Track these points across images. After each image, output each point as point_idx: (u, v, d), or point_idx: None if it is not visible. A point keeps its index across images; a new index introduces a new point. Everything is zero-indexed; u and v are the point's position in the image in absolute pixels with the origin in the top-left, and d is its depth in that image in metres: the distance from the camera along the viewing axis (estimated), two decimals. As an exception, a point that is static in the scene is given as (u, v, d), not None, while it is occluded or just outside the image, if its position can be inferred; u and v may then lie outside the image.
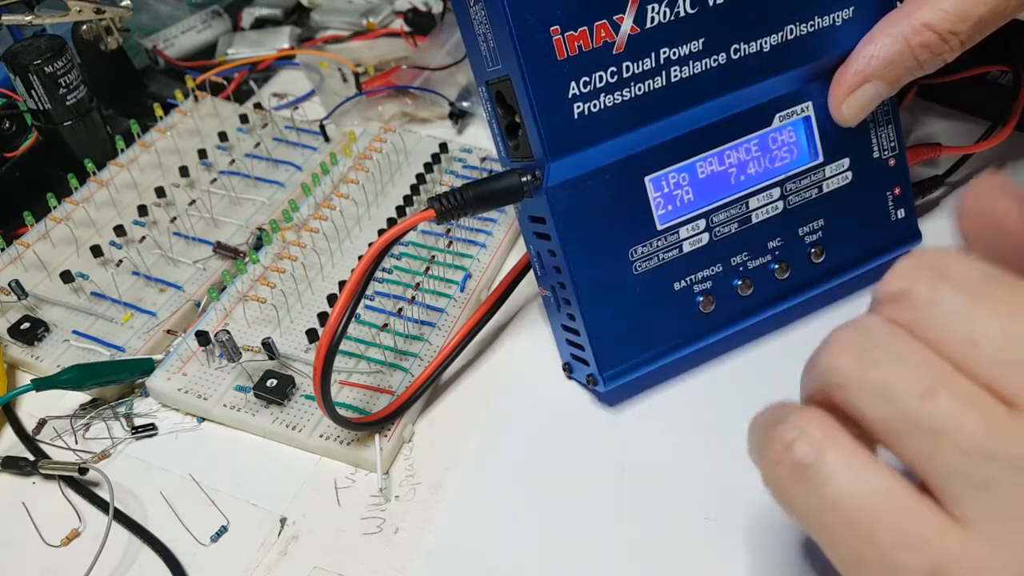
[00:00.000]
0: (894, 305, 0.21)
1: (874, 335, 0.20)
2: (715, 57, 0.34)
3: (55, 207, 0.47)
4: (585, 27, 0.32)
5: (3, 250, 0.45)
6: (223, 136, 0.52)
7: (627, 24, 0.33)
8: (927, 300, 0.20)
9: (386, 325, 0.41)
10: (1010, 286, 0.19)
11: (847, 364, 0.20)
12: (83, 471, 0.36)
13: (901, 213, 0.40)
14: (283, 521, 0.35)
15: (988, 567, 0.18)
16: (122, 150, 0.51)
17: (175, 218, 0.47)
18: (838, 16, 0.36)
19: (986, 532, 0.18)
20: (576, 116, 0.33)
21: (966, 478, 0.18)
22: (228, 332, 0.38)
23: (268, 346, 0.39)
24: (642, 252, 0.35)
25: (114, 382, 0.39)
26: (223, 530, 0.35)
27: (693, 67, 0.34)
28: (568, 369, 0.39)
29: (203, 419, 0.39)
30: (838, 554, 0.20)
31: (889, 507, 0.19)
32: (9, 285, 0.42)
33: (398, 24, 0.64)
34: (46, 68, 0.47)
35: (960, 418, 0.18)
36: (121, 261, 0.45)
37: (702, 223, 0.36)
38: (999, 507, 0.18)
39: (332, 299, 0.42)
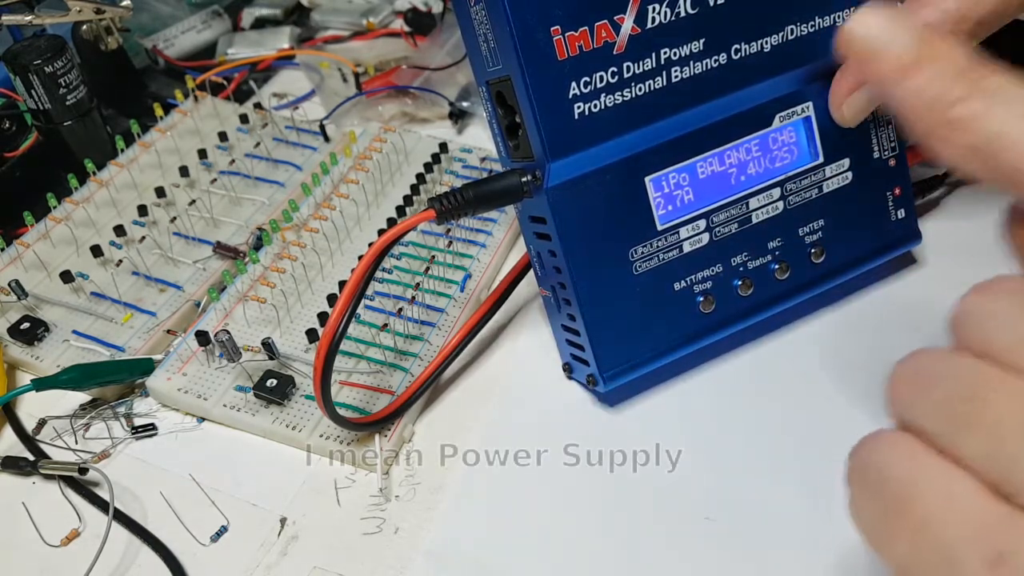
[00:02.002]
0: (953, 331, 0.21)
1: (922, 361, 0.21)
2: (716, 57, 0.34)
3: (55, 207, 0.47)
4: (586, 27, 0.32)
5: (3, 250, 0.45)
6: (223, 136, 0.52)
7: (628, 24, 0.33)
8: (977, 315, 0.20)
9: (386, 325, 0.41)
10: None
11: (903, 393, 0.21)
12: (83, 471, 0.36)
13: (901, 213, 0.40)
14: (283, 521, 0.35)
15: None
16: (122, 150, 0.51)
17: (175, 218, 0.47)
18: (839, 16, 0.36)
19: None
20: (576, 116, 0.33)
21: None
22: (228, 332, 0.38)
23: (268, 346, 0.39)
24: (642, 252, 0.35)
25: (114, 382, 0.39)
26: (223, 530, 0.35)
27: (694, 67, 0.34)
28: (568, 369, 0.39)
29: (203, 419, 0.39)
30: (894, 551, 0.20)
31: (946, 496, 0.19)
32: (9, 285, 0.42)
33: (398, 24, 0.64)
34: (46, 68, 0.47)
35: (1013, 410, 0.18)
36: (121, 261, 0.45)
37: (702, 223, 0.36)
38: None
39: (332, 299, 0.42)
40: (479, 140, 0.54)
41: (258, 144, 0.52)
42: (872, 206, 0.39)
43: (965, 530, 0.18)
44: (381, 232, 0.46)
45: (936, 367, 0.21)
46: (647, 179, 0.35)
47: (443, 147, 0.51)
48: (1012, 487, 0.18)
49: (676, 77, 0.34)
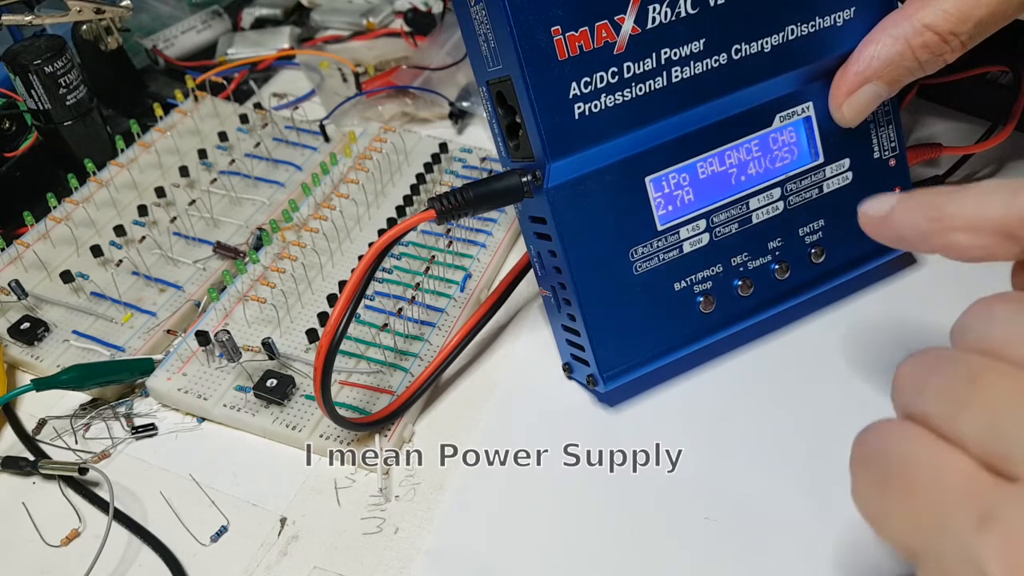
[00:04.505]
0: (955, 338, 0.23)
1: (927, 355, 0.23)
2: (716, 57, 0.34)
3: (55, 207, 0.47)
4: (586, 27, 0.32)
5: (3, 250, 0.45)
6: (223, 136, 0.52)
7: (628, 24, 0.33)
8: (977, 318, 0.22)
9: (386, 325, 0.41)
10: None
11: (907, 383, 0.23)
12: (83, 471, 0.36)
13: (901, 213, 0.40)
14: (283, 521, 0.35)
15: None
16: (122, 150, 0.51)
17: (175, 218, 0.47)
18: (839, 16, 0.36)
19: None
20: (577, 116, 0.33)
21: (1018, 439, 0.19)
22: (228, 332, 0.38)
23: (268, 346, 0.39)
24: (643, 252, 0.35)
25: (114, 382, 0.39)
26: (223, 530, 0.35)
27: (694, 67, 0.34)
28: (568, 369, 0.39)
29: (203, 419, 0.39)
30: (890, 522, 0.22)
31: (938, 466, 0.20)
32: (9, 285, 0.42)
33: (398, 24, 0.64)
34: (46, 68, 0.47)
35: (1008, 392, 0.20)
36: (121, 261, 0.45)
37: (702, 223, 0.36)
38: None
39: (332, 299, 0.42)
40: (479, 140, 0.54)
41: (258, 144, 0.52)
42: (872, 206, 0.39)
43: (955, 494, 0.19)
44: (381, 232, 0.46)
45: (940, 358, 0.22)
46: (647, 179, 0.35)
47: (443, 147, 0.51)
48: (1005, 462, 0.19)
49: (676, 77, 0.34)
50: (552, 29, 0.32)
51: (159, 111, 0.53)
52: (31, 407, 0.40)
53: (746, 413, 0.38)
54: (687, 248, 0.36)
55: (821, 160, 0.38)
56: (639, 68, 0.33)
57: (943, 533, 0.20)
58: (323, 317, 0.41)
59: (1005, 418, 0.20)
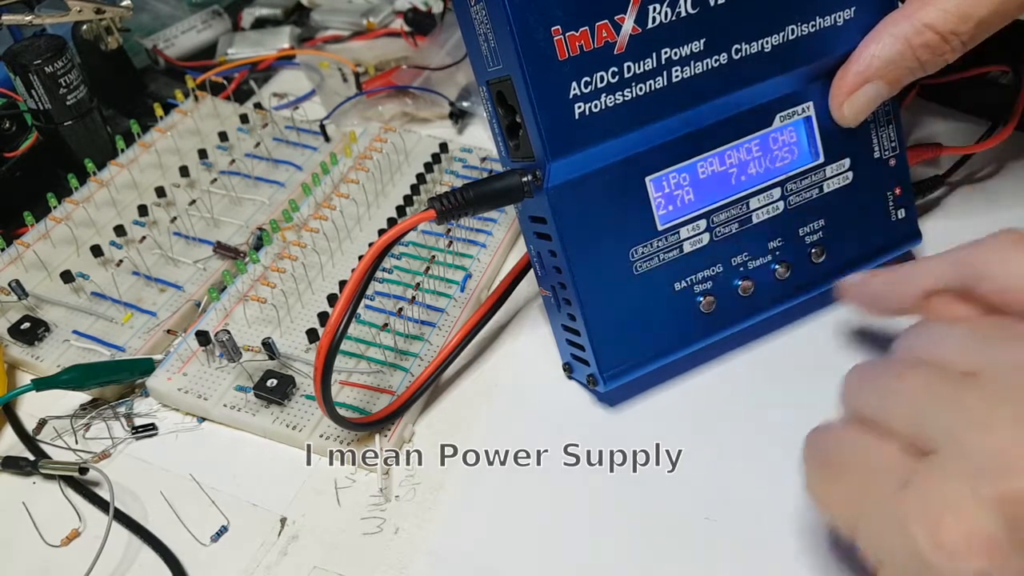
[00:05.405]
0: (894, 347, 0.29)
1: (866, 364, 0.28)
2: (716, 57, 0.34)
3: (55, 207, 0.47)
4: (586, 27, 0.32)
5: (3, 250, 0.45)
6: (223, 136, 0.52)
7: (628, 24, 0.33)
8: (908, 334, 0.28)
9: (386, 325, 0.41)
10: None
11: (849, 386, 0.28)
12: (83, 471, 0.36)
13: (902, 213, 0.40)
14: (283, 521, 0.35)
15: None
16: (122, 150, 0.51)
17: (175, 218, 0.47)
18: (839, 16, 0.36)
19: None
20: (577, 116, 0.33)
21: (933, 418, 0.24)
22: (228, 332, 0.38)
23: (268, 346, 0.39)
24: (643, 252, 0.35)
25: (114, 382, 0.39)
26: (223, 530, 0.35)
27: (694, 67, 0.34)
28: (568, 369, 0.39)
29: (203, 419, 0.39)
30: (831, 498, 0.26)
31: (865, 449, 0.25)
32: (9, 285, 0.42)
33: (398, 24, 0.64)
34: (46, 68, 0.47)
35: (923, 383, 0.25)
36: (121, 261, 0.45)
37: (703, 223, 0.36)
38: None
39: (332, 299, 0.42)
40: (479, 140, 0.54)
41: (258, 144, 0.52)
42: (872, 206, 0.39)
43: (881, 470, 0.24)
44: (381, 232, 0.46)
45: (875, 364, 0.28)
46: (648, 179, 0.35)
47: (443, 147, 0.51)
48: (925, 441, 0.23)
49: (677, 77, 0.34)
50: (552, 29, 0.32)
51: (159, 111, 0.53)
52: (31, 407, 0.40)
53: (746, 413, 0.38)
54: (687, 248, 0.36)
55: (821, 160, 0.38)
56: (639, 68, 0.33)
57: (872, 502, 0.24)
58: (323, 317, 0.41)
59: (924, 403, 0.24)
